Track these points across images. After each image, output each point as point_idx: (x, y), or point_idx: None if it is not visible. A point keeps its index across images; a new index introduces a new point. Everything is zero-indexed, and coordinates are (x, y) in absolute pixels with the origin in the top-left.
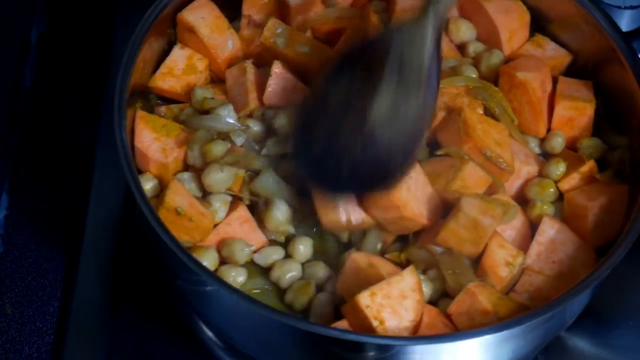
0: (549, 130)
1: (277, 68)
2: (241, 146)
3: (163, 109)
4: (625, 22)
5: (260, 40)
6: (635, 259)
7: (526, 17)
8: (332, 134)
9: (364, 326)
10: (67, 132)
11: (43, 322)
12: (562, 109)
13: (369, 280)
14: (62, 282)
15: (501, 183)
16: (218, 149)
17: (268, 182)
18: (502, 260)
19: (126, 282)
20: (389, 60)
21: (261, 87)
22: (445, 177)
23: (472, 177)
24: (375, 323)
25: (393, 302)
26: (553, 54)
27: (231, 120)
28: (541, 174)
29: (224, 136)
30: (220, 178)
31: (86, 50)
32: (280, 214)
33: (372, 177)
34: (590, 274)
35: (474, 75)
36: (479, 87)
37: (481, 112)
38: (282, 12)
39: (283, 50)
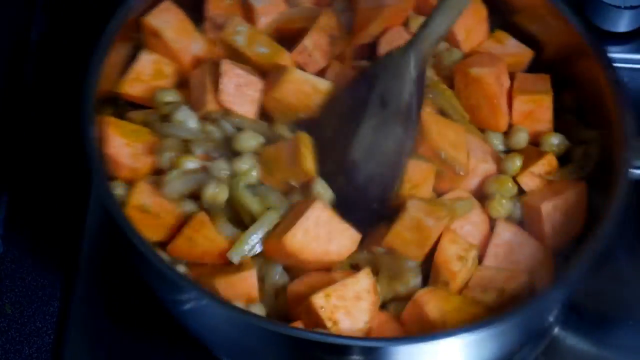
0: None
1: (225, 66)
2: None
3: (133, 114)
4: (625, 22)
5: (220, 37)
6: (635, 258)
7: (483, 13)
8: (323, 164)
9: (318, 326)
10: (67, 132)
11: (43, 322)
12: (520, 103)
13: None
14: (62, 282)
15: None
16: (188, 165)
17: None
18: (455, 255)
19: (126, 282)
20: (372, 93)
21: None
22: None
23: (416, 172)
24: (329, 324)
25: (347, 303)
26: (513, 50)
27: (192, 126)
28: (500, 171)
29: (187, 144)
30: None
31: (86, 50)
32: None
33: (353, 209)
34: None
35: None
36: (427, 86)
37: (431, 110)
38: (246, 14)
39: (241, 48)
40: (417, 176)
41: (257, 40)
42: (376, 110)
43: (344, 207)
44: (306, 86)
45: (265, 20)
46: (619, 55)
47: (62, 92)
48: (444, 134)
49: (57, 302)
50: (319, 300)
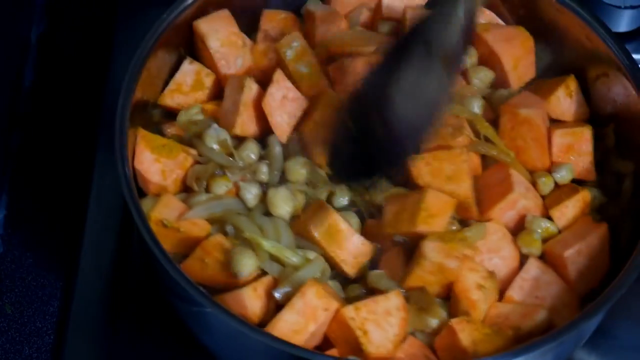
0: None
1: (277, 75)
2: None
3: (168, 125)
4: (625, 22)
5: (275, 46)
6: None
7: (530, 43)
8: (363, 115)
9: (349, 338)
10: (67, 132)
11: (43, 322)
12: (560, 137)
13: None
14: (62, 282)
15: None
16: (220, 189)
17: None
18: (474, 283)
19: (126, 282)
20: (418, 39)
21: (258, 106)
22: (409, 212)
23: (435, 202)
24: (358, 333)
25: (378, 317)
26: (571, 110)
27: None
28: (540, 211)
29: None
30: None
31: (86, 50)
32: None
33: (391, 154)
34: (576, 319)
35: (477, 110)
36: (470, 119)
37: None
38: (306, 24)
39: (287, 62)
40: (436, 207)
41: (303, 58)
42: (421, 54)
43: (383, 155)
44: None
45: (324, 29)
46: None
47: (63, 93)
48: (438, 170)
49: (57, 302)
50: (349, 312)
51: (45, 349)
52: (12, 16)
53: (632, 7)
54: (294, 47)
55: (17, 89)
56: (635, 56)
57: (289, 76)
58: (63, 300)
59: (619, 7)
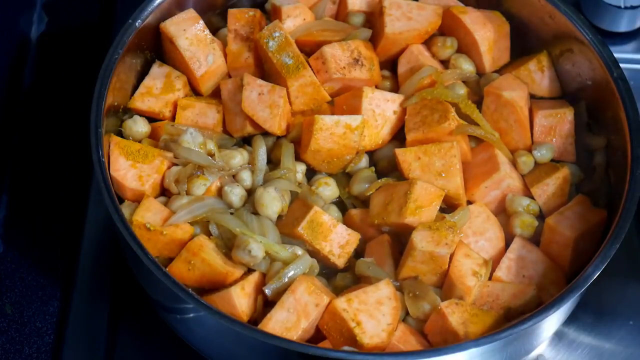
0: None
1: (247, 78)
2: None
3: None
4: (625, 22)
5: (255, 37)
6: (635, 260)
7: (505, 27)
8: None
9: (342, 330)
10: (66, 132)
11: (43, 322)
12: (542, 118)
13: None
14: (62, 282)
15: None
16: (199, 189)
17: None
18: (469, 270)
19: (125, 281)
20: None
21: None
22: (398, 203)
23: (423, 194)
24: (352, 324)
25: (370, 307)
26: (542, 86)
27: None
28: (522, 191)
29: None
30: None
31: (86, 50)
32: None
33: None
34: (558, 296)
35: (462, 92)
36: (455, 102)
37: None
38: (272, 19)
39: (269, 53)
40: (424, 198)
41: (286, 49)
42: None
43: None
44: (337, 128)
45: (291, 23)
46: (618, 55)
47: (62, 93)
48: (428, 165)
49: (57, 302)
50: (341, 303)
51: (45, 349)
52: (12, 16)
53: (632, 7)
54: (276, 37)
55: (17, 89)
56: (636, 56)
57: (273, 68)
58: (63, 301)
59: (619, 7)
